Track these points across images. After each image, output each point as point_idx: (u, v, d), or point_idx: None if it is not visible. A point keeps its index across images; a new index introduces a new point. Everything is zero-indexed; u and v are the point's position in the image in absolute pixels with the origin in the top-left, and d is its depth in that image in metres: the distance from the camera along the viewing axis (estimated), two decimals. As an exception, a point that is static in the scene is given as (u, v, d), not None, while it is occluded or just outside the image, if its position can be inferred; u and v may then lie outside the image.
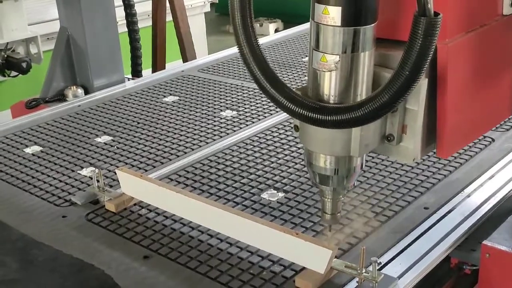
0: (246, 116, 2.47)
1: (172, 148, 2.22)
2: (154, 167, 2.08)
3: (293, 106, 1.23)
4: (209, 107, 2.60)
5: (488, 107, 1.50)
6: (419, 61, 1.12)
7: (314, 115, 1.21)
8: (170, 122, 2.46)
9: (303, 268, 1.47)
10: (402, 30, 1.24)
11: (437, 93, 1.31)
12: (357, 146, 1.29)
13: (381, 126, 1.32)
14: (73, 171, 2.08)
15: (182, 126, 2.41)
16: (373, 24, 1.22)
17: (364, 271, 1.41)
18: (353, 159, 1.35)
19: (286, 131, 2.30)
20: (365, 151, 1.33)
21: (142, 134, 2.36)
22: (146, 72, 4.25)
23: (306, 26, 3.66)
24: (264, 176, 1.97)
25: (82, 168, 2.10)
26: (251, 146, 2.19)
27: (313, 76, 1.27)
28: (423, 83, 1.26)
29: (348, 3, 1.18)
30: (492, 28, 1.40)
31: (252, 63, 1.26)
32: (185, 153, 2.18)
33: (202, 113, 2.53)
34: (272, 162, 2.06)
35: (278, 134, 2.28)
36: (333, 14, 1.19)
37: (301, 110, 1.22)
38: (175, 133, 2.35)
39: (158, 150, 2.21)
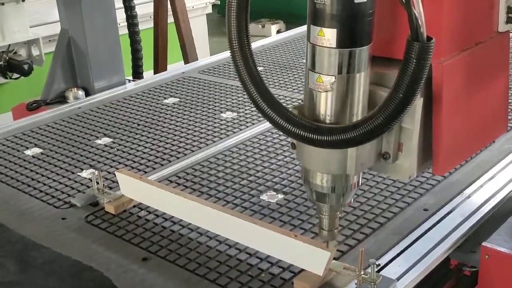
0: (246, 118, 2.47)
1: (172, 150, 2.22)
2: (154, 169, 2.09)
3: (289, 126, 1.25)
4: (209, 108, 2.60)
5: (484, 124, 1.50)
6: (412, 84, 1.14)
7: (309, 135, 1.22)
8: (170, 124, 2.46)
9: (302, 270, 1.47)
10: (398, 48, 1.24)
11: (433, 111, 1.31)
12: (353, 164, 1.30)
13: (377, 144, 1.33)
14: (73, 173, 2.08)
15: (182, 127, 2.42)
16: (368, 45, 1.23)
17: (362, 272, 1.41)
18: (350, 177, 1.36)
19: (286, 132, 2.29)
20: (361, 170, 1.34)
21: (142, 136, 2.36)
22: (148, 73, 4.25)
23: (307, 27, 3.65)
24: (263, 177, 1.97)
25: (82, 170, 2.10)
26: (251, 148, 2.19)
27: (309, 96, 1.29)
28: (418, 103, 1.27)
29: (343, 25, 1.19)
30: (487, 46, 1.40)
31: (250, 84, 1.28)
32: (185, 154, 2.18)
33: (202, 115, 2.53)
34: (272, 164, 2.06)
35: (278, 136, 2.27)
36: (328, 36, 1.21)
37: (297, 130, 1.24)
38: (175, 135, 2.35)
39: (158, 152, 2.21)
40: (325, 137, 1.21)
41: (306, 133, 1.23)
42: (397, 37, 1.27)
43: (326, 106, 1.26)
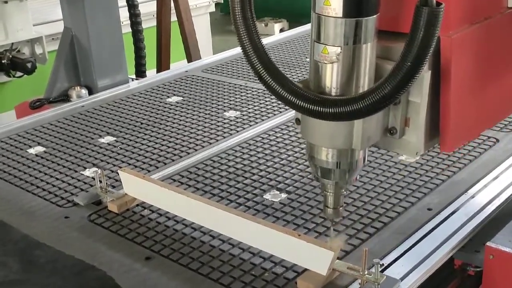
0: (250, 117, 2.46)
1: (175, 149, 2.21)
2: (157, 167, 2.08)
3: (294, 99, 1.22)
4: (212, 107, 2.60)
5: (494, 101, 1.47)
6: (421, 52, 1.10)
7: (314, 107, 1.19)
8: (174, 123, 2.45)
9: (305, 270, 1.46)
10: (405, 22, 1.22)
11: (441, 86, 1.29)
12: (359, 139, 1.27)
13: (383, 119, 1.30)
14: (76, 171, 2.08)
15: (186, 126, 2.41)
16: (375, 16, 1.21)
17: (366, 272, 1.40)
18: (355, 152, 1.33)
19: (289, 131, 2.29)
20: (367, 144, 1.31)
21: (145, 134, 2.36)
22: (151, 72, 4.25)
23: (310, 26, 3.64)
24: (267, 176, 1.96)
25: (85, 168, 2.10)
26: (254, 147, 2.19)
27: (315, 69, 1.26)
28: (426, 75, 1.25)
29: None
30: (497, 21, 1.37)
31: (253, 56, 1.24)
32: (188, 153, 2.17)
33: (206, 114, 2.53)
34: (275, 163, 2.05)
35: (281, 134, 2.27)
36: (334, 5, 1.18)
37: (302, 103, 1.21)
38: (178, 134, 2.34)
39: (161, 150, 2.21)
40: (331, 109, 1.18)
41: (311, 106, 1.20)
42: (405, 10, 1.24)
43: (331, 78, 1.24)
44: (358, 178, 1.43)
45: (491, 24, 1.36)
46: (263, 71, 1.25)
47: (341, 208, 1.44)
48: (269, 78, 1.24)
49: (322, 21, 1.21)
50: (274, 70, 1.25)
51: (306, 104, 1.20)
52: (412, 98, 1.28)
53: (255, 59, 1.24)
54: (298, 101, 1.21)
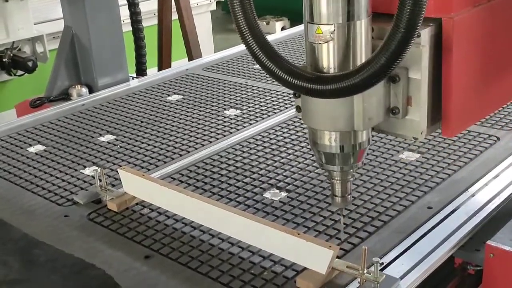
0: (250, 115, 2.46)
1: (175, 147, 2.21)
2: (157, 166, 2.08)
3: (291, 78, 1.21)
4: (213, 105, 2.59)
5: (497, 85, 1.45)
6: (412, 17, 1.09)
7: (312, 85, 1.19)
8: (174, 121, 2.45)
9: (305, 269, 1.46)
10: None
11: (442, 68, 1.28)
12: (360, 119, 1.27)
13: (384, 98, 1.30)
14: (75, 170, 2.08)
15: (186, 125, 2.41)
16: None
17: (365, 271, 1.40)
18: (358, 134, 1.32)
19: (289, 130, 2.28)
20: (369, 125, 1.30)
21: (146, 133, 2.36)
22: (152, 70, 4.25)
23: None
24: (267, 175, 1.96)
25: (85, 167, 2.10)
26: (254, 146, 2.18)
27: (310, 51, 1.25)
28: (424, 50, 1.24)
29: None
30: (501, 3, 1.36)
31: (249, 36, 1.22)
32: (188, 152, 2.17)
33: (206, 112, 2.53)
34: (275, 162, 2.05)
35: (281, 133, 2.27)
36: None
37: (299, 82, 1.20)
38: (178, 132, 2.34)
39: (161, 149, 2.21)
40: (328, 86, 1.17)
41: (308, 84, 1.19)
42: None
43: (328, 58, 1.23)
44: (364, 162, 1.40)
45: (494, 6, 1.34)
46: (258, 51, 1.23)
47: (349, 196, 1.43)
48: (264, 58, 1.23)
49: (314, 0, 1.21)
50: (271, 50, 1.23)
51: (302, 83, 1.19)
52: (412, 75, 1.28)
53: (251, 39, 1.22)
54: (294, 80, 1.20)
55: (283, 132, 2.27)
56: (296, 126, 2.30)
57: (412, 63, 1.24)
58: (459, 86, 1.31)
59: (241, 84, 2.83)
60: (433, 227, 1.64)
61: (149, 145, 2.25)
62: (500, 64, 1.44)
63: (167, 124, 2.43)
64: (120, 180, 1.86)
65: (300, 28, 3.70)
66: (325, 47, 1.23)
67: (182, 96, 2.73)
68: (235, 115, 2.48)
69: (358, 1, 1.20)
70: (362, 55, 1.24)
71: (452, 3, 1.23)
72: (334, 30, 1.21)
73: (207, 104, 2.61)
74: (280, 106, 2.52)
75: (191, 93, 2.77)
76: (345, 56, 1.23)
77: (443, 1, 1.24)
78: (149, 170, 2.05)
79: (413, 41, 1.12)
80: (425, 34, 1.23)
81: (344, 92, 1.18)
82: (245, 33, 1.22)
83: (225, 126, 2.37)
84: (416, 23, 1.10)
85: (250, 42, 1.22)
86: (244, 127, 2.36)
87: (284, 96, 2.62)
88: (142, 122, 2.47)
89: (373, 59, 1.14)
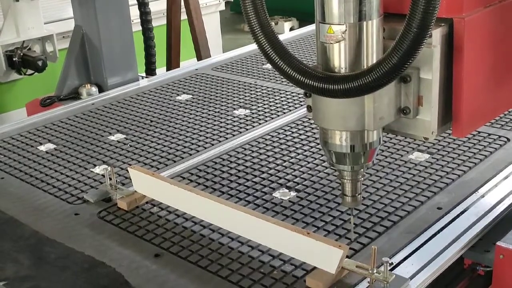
0: (259, 115, 2.46)
1: (185, 147, 2.22)
2: (167, 165, 2.09)
3: (302, 78, 1.21)
4: (222, 105, 2.60)
5: (508, 86, 1.45)
6: (425, 16, 1.09)
7: (323, 85, 1.19)
8: (183, 121, 2.46)
9: (314, 268, 1.46)
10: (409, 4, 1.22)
11: (453, 69, 1.28)
12: (371, 119, 1.27)
13: (395, 98, 1.30)
14: (86, 169, 2.09)
15: (195, 124, 2.42)
16: None
17: (375, 271, 1.40)
18: (369, 134, 1.33)
19: (299, 130, 2.29)
20: (380, 125, 1.30)
21: (155, 132, 2.37)
22: (161, 70, 4.26)
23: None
24: (276, 175, 1.96)
25: (95, 166, 2.11)
26: (264, 145, 2.19)
27: (322, 51, 1.26)
28: (435, 50, 1.25)
29: None
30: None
31: (261, 36, 1.23)
32: (198, 151, 2.18)
33: (215, 112, 2.53)
34: (285, 161, 2.05)
35: (290, 133, 2.27)
36: None
37: (311, 81, 1.20)
38: (187, 132, 2.35)
39: (171, 148, 2.21)
40: (340, 86, 1.17)
41: (320, 84, 1.19)
42: None
43: (339, 58, 1.24)
44: (374, 162, 1.40)
45: (505, 6, 1.34)
46: (271, 50, 1.23)
47: (359, 195, 1.43)
48: (277, 58, 1.23)
49: (326, 0, 1.21)
50: (283, 50, 1.24)
51: (314, 82, 1.20)
52: (423, 75, 1.28)
53: (263, 38, 1.23)
54: (306, 80, 1.21)
55: (292, 132, 2.27)
56: (305, 126, 2.31)
57: (423, 63, 1.24)
58: (470, 86, 1.31)
59: (250, 84, 2.83)
60: (442, 228, 1.63)
61: (158, 144, 2.26)
62: (511, 64, 1.44)
63: (176, 123, 2.44)
64: (130, 179, 1.87)
65: (308, 28, 3.70)
66: (337, 47, 1.23)
67: (191, 96, 2.74)
68: (244, 114, 2.48)
69: (370, 1, 1.20)
70: (373, 55, 1.24)
71: (463, 4, 1.24)
72: (346, 30, 1.21)
73: (216, 104, 2.62)
74: (290, 106, 2.52)
75: (200, 92, 2.78)
76: (357, 56, 1.23)
77: (454, 1, 1.25)
78: (158, 169, 2.06)
79: (425, 40, 1.12)
80: (436, 34, 1.24)
81: (355, 92, 1.19)
82: (257, 32, 1.23)
83: (234, 126, 2.38)
84: (429, 22, 1.10)
85: (262, 41, 1.23)
86: (254, 126, 2.36)
87: (293, 96, 2.62)
88: (151, 121, 2.48)
89: (385, 59, 1.15)
